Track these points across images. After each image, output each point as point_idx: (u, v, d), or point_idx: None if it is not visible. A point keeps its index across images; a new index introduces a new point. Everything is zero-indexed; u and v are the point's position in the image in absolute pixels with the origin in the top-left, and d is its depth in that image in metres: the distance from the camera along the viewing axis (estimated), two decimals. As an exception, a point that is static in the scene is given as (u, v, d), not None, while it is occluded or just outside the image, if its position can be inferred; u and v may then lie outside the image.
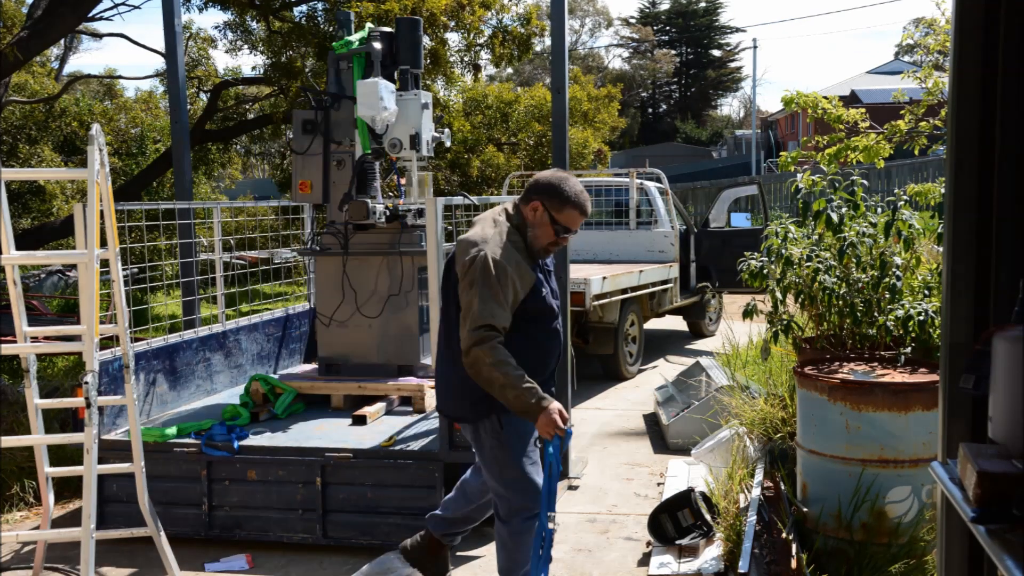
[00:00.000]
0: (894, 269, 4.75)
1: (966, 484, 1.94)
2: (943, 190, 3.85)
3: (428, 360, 5.90)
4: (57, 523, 5.36)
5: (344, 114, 5.75)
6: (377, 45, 5.58)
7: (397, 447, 4.84)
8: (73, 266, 15.00)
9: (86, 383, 3.75)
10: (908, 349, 4.53)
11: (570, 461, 5.98)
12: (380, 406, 5.52)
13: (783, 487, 4.59)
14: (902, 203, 4.84)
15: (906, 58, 40.79)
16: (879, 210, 5.15)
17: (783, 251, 5.14)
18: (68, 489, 5.79)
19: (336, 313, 5.83)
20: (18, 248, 4.07)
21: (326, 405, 5.71)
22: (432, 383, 5.74)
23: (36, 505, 5.57)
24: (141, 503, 4.20)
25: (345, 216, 5.70)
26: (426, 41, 10.89)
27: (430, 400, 5.60)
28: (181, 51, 6.67)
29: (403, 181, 6.09)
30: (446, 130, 6.04)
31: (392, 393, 5.70)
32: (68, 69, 26.32)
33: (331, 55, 5.82)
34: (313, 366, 6.32)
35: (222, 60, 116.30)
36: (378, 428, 5.24)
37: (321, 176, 5.79)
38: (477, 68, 12.89)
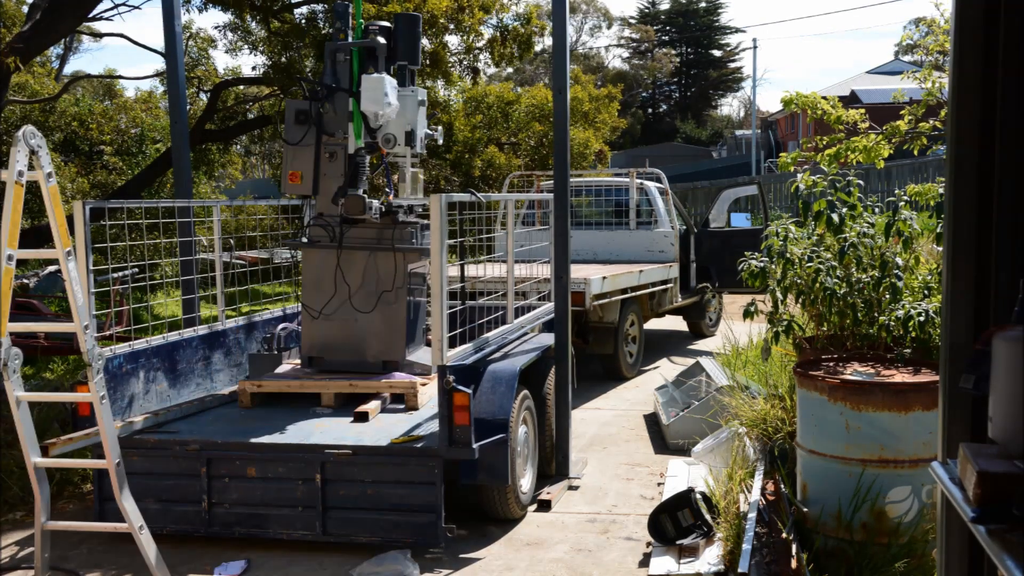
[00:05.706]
0: (894, 269, 4.75)
1: (966, 484, 1.94)
2: (943, 190, 3.85)
3: (413, 357, 5.88)
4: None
5: (338, 106, 5.74)
6: (382, 40, 5.62)
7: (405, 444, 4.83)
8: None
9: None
10: (908, 349, 4.54)
11: (570, 461, 5.99)
12: (377, 403, 5.50)
13: (783, 487, 4.59)
14: (902, 203, 4.84)
15: (906, 58, 40.75)
16: (879, 211, 5.15)
17: (784, 251, 5.14)
18: (68, 487, 5.79)
19: (323, 307, 5.79)
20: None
21: (315, 403, 5.66)
22: (423, 380, 5.72)
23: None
24: (118, 498, 4.26)
25: (341, 210, 5.69)
26: (425, 43, 10.89)
27: (423, 397, 5.60)
28: (181, 51, 6.67)
29: (395, 177, 6.09)
30: (439, 128, 6.04)
31: (384, 391, 5.68)
32: (68, 69, 26.36)
33: (328, 46, 5.81)
34: (297, 362, 6.24)
35: (222, 60, 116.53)
36: (376, 426, 5.24)
37: (312, 167, 5.78)
38: (476, 72, 12.85)
